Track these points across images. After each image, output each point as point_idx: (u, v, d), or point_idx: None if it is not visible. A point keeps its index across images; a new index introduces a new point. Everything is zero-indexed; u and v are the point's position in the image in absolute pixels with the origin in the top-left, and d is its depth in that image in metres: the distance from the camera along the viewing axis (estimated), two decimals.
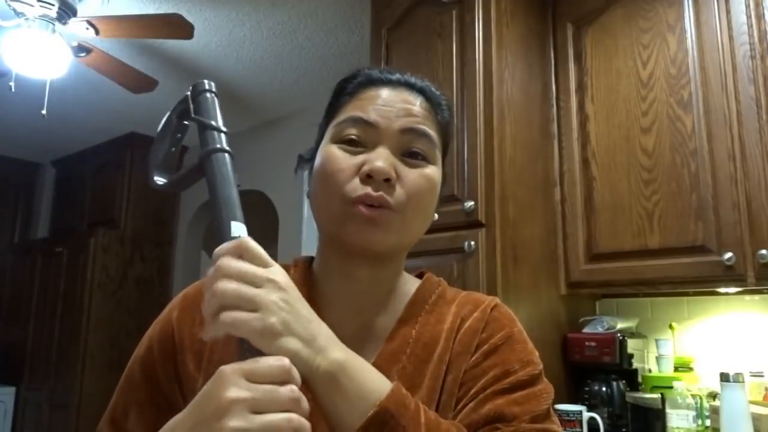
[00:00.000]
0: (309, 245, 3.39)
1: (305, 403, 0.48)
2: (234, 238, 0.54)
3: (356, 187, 0.63)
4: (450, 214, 1.70)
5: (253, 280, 0.50)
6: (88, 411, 3.62)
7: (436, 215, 0.71)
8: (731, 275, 1.58)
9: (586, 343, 1.84)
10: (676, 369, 1.83)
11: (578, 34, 1.99)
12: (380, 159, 0.63)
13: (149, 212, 4.25)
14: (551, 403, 0.65)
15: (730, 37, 1.66)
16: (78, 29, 2.40)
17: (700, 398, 1.68)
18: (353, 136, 0.66)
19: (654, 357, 1.90)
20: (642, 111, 1.80)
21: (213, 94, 0.64)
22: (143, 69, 2.84)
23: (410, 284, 0.74)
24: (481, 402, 0.61)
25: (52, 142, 4.42)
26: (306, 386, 0.52)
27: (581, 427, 1.67)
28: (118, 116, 3.85)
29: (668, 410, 1.63)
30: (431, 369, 0.65)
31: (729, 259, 1.57)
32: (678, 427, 1.60)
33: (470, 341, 0.66)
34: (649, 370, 1.94)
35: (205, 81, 0.64)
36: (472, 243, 1.67)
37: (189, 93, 0.65)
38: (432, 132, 0.68)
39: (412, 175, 0.65)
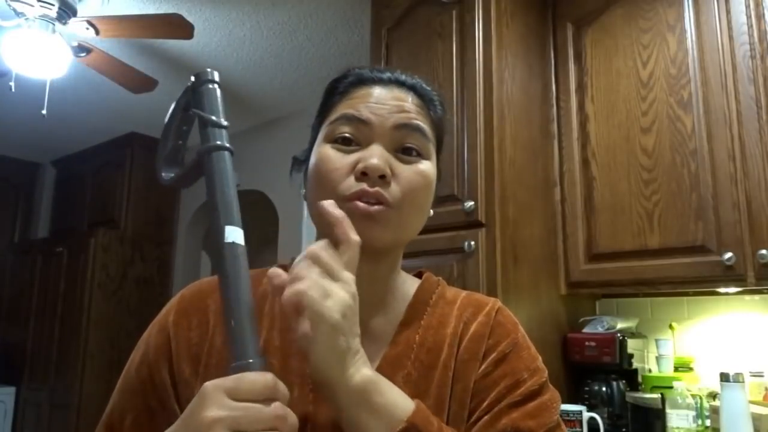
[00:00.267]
0: (309, 245, 3.38)
1: (292, 419, 0.48)
2: (228, 243, 0.54)
3: (351, 185, 0.63)
4: (450, 214, 1.70)
5: (333, 273, 0.53)
6: (88, 411, 3.62)
7: (432, 211, 0.71)
8: (731, 275, 1.58)
9: (586, 343, 1.84)
10: (676, 369, 1.83)
11: (578, 34, 1.99)
12: (374, 156, 0.63)
13: (149, 212, 4.25)
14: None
15: (730, 37, 1.66)
16: (78, 29, 2.40)
17: (700, 398, 1.68)
18: (347, 134, 0.65)
19: (654, 357, 1.90)
20: (642, 111, 1.80)
21: (216, 85, 0.62)
22: (143, 69, 2.84)
23: (409, 284, 0.73)
24: (496, 416, 0.61)
25: (52, 142, 4.42)
26: (325, 400, 0.53)
27: (581, 427, 1.67)
28: (118, 116, 3.85)
29: (668, 410, 1.63)
30: (437, 377, 0.65)
31: (729, 259, 1.57)
32: (678, 427, 1.60)
33: (477, 348, 0.66)
34: (649, 370, 1.94)
35: (208, 70, 0.62)
36: (472, 243, 1.66)
37: (190, 83, 0.63)
38: (425, 126, 0.68)
39: (407, 172, 0.65)
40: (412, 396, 0.60)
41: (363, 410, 0.53)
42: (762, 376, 1.69)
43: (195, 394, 0.50)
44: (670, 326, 1.92)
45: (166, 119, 0.65)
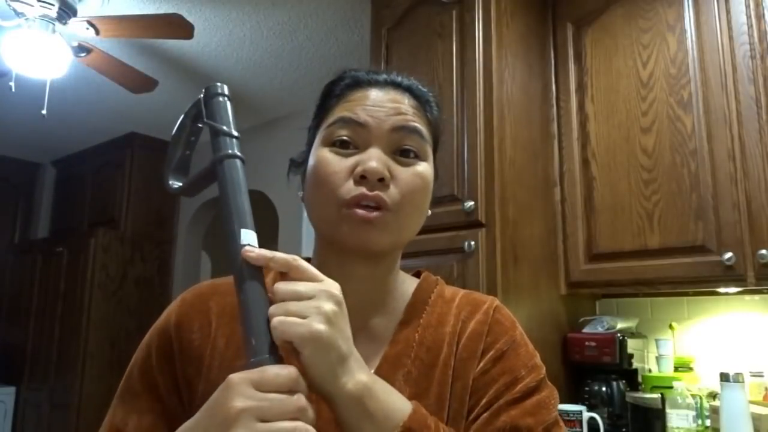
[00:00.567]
0: (309, 245, 3.39)
1: (311, 412, 0.49)
2: (243, 245, 0.55)
3: (351, 189, 0.63)
4: (450, 214, 1.70)
5: (305, 293, 0.53)
6: (88, 411, 3.62)
7: (429, 212, 0.72)
8: (731, 275, 1.58)
9: (586, 343, 1.84)
10: (676, 369, 1.83)
11: (578, 34, 1.99)
12: (373, 159, 0.63)
13: (149, 212, 4.25)
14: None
15: (730, 37, 1.66)
16: (78, 29, 2.40)
17: (700, 398, 1.68)
18: (344, 137, 0.66)
19: (654, 357, 1.90)
20: (642, 111, 1.80)
21: (226, 98, 0.64)
22: (143, 69, 2.84)
23: (408, 284, 0.74)
24: (495, 413, 0.62)
25: (52, 142, 4.42)
26: (325, 402, 0.53)
27: (581, 427, 1.67)
28: (118, 116, 3.85)
29: (668, 410, 1.63)
30: (437, 375, 0.65)
31: (729, 259, 1.57)
32: (678, 427, 1.60)
33: (475, 346, 0.67)
34: (649, 370, 1.94)
35: (218, 84, 0.64)
36: (472, 243, 1.66)
37: (201, 96, 0.64)
38: (423, 128, 0.68)
39: (406, 174, 0.65)
40: (413, 394, 0.60)
41: (359, 416, 0.54)
42: (762, 376, 1.69)
43: (199, 395, 0.50)
44: (670, 326, 1.92)
45: (175, 130, 0.67)
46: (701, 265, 1.63)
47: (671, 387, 1.68)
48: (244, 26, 2.73)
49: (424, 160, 0.68)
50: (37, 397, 3.95)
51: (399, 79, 0.71)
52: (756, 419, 1.51)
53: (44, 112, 2.71)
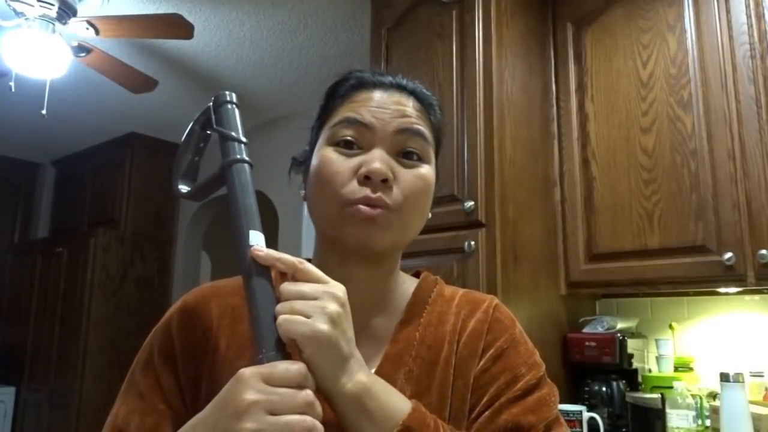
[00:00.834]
0: (309, 245, 3.39)
1: (319, 407, 0.51)
2: (252, 245, 0.57)
3: (354, 190, 0.63)
4: (450, 214, 1.70)
5: (311, 294, 0.54)
6: (88, 411, 3.61)
7: (430, 214, 0.72)
8: (731, 275, 1.58)
9: (586, 343, 1.84)
10: (676, 369, 1.83)
11: (578, 34, 1.99)
12: (377, 160, 0.64)
13: (149, 212, 4.25)
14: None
15: (730, 37, 1.66)
16: (78, 29, 2.40)
17: (700, 398, 1.68)
18: (349, 138, 0.66)
19: (654, 357, 1.90)
20: (642, 111, 1.80)
21: (234, 105, 0.67)
22: (143, 69, 2.84)
23: (408, 283, 0.74)
24: (497, 411, 0.63)
25: (52, 142, 4.42)
26: (325, 401, 0.54)
27: (581, 427, 1.67)
28: (118, 116, 3.84)
29: (668, 410, 1.63)
30: (438, 373, 0.66)
31: (729, 259, 1.57)
32: (678, 427, 1.60)
33: (476, 345, 0.68)
34: (649, 370, 1.94)
35: (227, 92, 0.67)
36: (472, 243, 1.66)
37: (211, 104, 0.67)
38: (426, 131, 0.69)
39: (408, 176, 0.66)
40: (415, 393, 0.60)
41: (358, 416, 0.55)
42: (762, 376, 1.69)
43: (202, 395, 0.51)
44: (670, 326, 1.92)
45: (184, 136, 0.69)
46: (701, 265, 1.63)
47: (671, 387, 1.68)
48: (244, 26, 2.73)
49: (427, 162, 0.69)
50: (37, 397, 3.95)
51: (404, 81, 0.72)
52: (756, 419, 1.51)
53: (44, 112, 2.71)
